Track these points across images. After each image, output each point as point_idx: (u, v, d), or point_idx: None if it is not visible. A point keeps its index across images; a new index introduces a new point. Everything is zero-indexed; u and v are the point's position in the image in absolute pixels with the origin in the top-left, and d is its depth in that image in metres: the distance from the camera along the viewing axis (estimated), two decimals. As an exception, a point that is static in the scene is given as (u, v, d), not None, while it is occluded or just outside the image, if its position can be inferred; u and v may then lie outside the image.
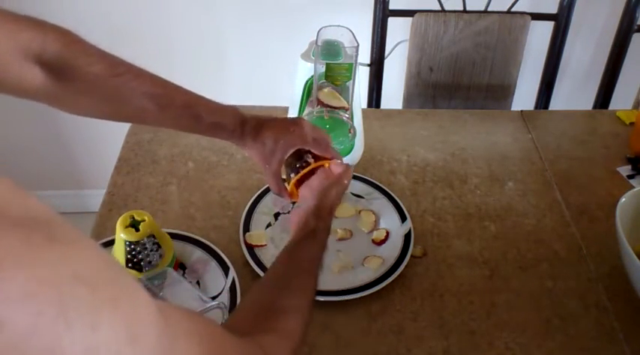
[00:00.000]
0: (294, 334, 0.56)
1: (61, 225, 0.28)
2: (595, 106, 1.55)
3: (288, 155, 0.79)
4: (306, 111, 1.02)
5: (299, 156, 0.81)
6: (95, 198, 1.15)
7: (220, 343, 0.43)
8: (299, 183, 0.82)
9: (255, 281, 0.89)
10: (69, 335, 0.25)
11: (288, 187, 0.81)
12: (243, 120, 0.77)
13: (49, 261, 0.26)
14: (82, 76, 0.68)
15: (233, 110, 0.78)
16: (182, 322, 0.37)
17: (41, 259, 0.25)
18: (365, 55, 1.49)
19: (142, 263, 0.83)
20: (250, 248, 0.93)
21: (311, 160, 0.80)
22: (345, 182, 0.78)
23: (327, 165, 0.82)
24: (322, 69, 0.94)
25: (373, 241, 0.97)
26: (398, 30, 1.50)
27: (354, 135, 1.02)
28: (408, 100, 1.55)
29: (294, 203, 1.03)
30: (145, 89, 0.72)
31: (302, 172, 0.80)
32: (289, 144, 0.77)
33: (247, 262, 0.91)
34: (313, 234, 0.69)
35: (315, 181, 0.78)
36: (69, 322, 0.25)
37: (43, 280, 0.25)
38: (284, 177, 0.82)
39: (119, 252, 0.83)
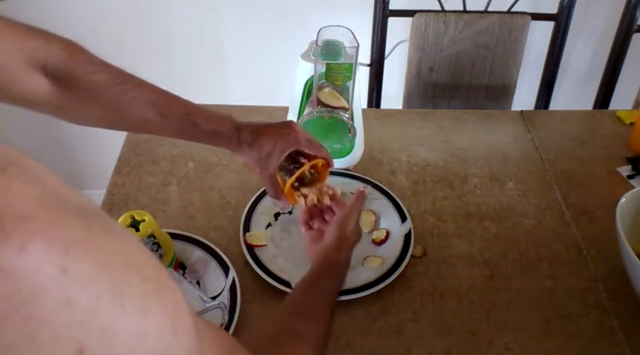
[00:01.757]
0: None
1: (109, 218, 0.30)
2: (595, 106, 1.55)
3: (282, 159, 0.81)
4: (306, 111, 1.02)
5: (292, 159, 0.83)
6: (95, 198, 1.15)
7: None
8: (294, 186, 0.84)
9: (254, 281, 0.89)
10: (123, 319, 0.27)
11: (285, 190, 0.83)
12: (239, 127, 0.79)
13: (106, 250, 0.28)
14: (84, 84, 0.70)
15: (228, 118, 0.80)
16: (208, 329, 0.39)
17: (100, 247, 0.27)
18: (365, 55, 1.49)
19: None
20: (250, 248, 0.93)
21: (304, 161, 0.83)
22: (360, 208, 0.83)
23: (320, 163, 0.84)
24: (322, 69, 0.94)
25: (373, 241, 0.97)
26: (398, 30, 1.50)
27: (354, 135, 1.02)
28: (408, 100, 1.55)
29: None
30: (146, 98, 0.74)
31: (297, 172, 0.82)
32: (285, 147, 0.79)
33: (247, 262, 0.91)
34: (335, 267, 0.73)
35: (335, 214, 0.83)
36: (124, 307, 0.27)
37: (103, 266, 0.27)
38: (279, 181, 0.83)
39: (119, 252, 0.83)
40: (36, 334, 0.24)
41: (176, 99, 0.77)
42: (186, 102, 0.78)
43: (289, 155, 0.81)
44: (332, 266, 0.73)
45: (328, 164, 0.85)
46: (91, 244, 0.27)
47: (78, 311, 0.25)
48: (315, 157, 0.83)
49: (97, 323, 0.26)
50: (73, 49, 0.69)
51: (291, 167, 0.83)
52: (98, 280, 0.26)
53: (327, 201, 0.84)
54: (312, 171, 0.87)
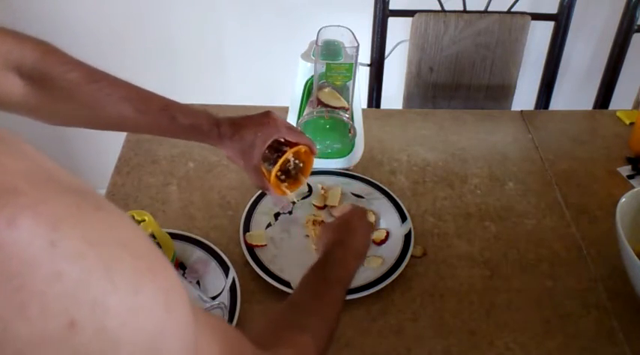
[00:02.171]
0: (309, 353, 0.59)
1: (101, 197, 0.31)
2: (595, 106, 1.55)
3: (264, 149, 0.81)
4: (306, 111, 1.02)
5: (275, 149, 0.83)
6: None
7: (240, 350, 0.44)
8: (280, 178, 0.85)
9: (254, 281, 0.89)
10: (114, 294, 0.27)
11: (270, 180, 0.83)
12: (218, 121, 0.80)
13: (97, 227, 0.28)
14: (59, 83, 0.70)
15: (205, 112, 0.80)
16: (208, 317, 0.39)
17: (91, 223, 0.28)
18: (365, 55, 1.49)
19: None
20: (250, 248, 0.93)
21: (286, 149, 0.83)
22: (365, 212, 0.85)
23: (303, 149, 0.84)
24: (322, 69, 0.94)
25: (373, 241, 0.97)
26: (398, 30, 1.50)
27: (354, 135, 1.02)
28: (408, 100, 1.55)
29: (294, 203, 1.03)
30: (121, 94, 0.74)
31: (280, 160, 0.82)
32: (267, 135, 0.80)
33: (247, 262, 0.91)
34: (340, 263, 0.73)
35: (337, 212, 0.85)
36: (114, 282, 0.27)
37: (92, 243, 0.27)
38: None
39: (119, 252, 0.83)
40: (27, 305, 0.24)
41: (152, 95, 0.77)
42: (163, 98, 0.77)
43: (271, 145, 0.81)
44: (336, 262, 0.73)
45: (311, 151, 0.86)
46: (81, 221, 0.27)
47: (68, 284, 0.26)
48: (297, 145, 0.83)
49: (87, 297, 0.26)
50: (46, 48, 0.69)
51: (274, 156, 0.83)
52: (87, 255, 0.27)
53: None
54: (297, 160, 0.87)
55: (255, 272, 0.89)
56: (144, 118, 0.75)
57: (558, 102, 1.65)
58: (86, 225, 0.28)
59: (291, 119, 1.06)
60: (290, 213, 1.01)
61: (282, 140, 0.83)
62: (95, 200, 0.29)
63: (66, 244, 0.26)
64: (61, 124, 0.77)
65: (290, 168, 0.87)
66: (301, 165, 0.88)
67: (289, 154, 0.83)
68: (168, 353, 0.31)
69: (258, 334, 0.60)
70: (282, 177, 0.86)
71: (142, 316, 0.29)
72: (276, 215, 1.01)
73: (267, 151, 0.83)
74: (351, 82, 0.96)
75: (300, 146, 0.83)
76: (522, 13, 1.45)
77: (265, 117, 0.81)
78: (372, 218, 1.00)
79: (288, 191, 0.86)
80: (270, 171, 0.83)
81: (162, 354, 0.31)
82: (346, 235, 0.78)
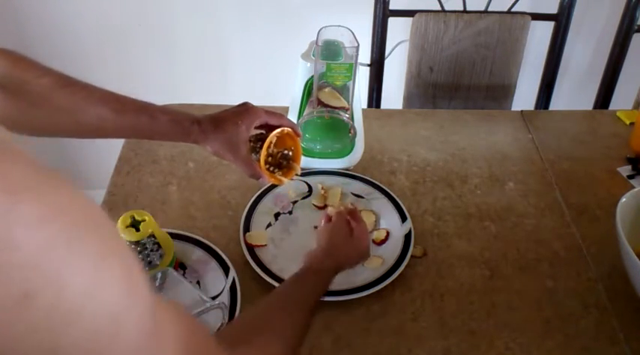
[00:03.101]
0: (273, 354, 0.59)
1: (68, 179, 0.30)
2: (595, 106, 1.55)
3: (250, 137, 0.82)
4: (306, 111, 1.02)
5: (258, 138, 0.84)
6: (95, 198, 1.14)
7: (201, 339, 0.43)
8: (270, 168, 0.86)
9: (254, 281, 0.89)
10: (74, 271, 0.27)
11: (261, 167, 0.84)
12: (197, 119, 0.80)
13: (61, 199, 0.28)
14: (34, 88, 0.69)
15: (185, 112, 0.80)
16: (171, 305, 0.39)
17: (55, 194, 0.28)
18: (365, 55, 1.49)
19: (142, 263, 0.83)
20: (250, 248, 0.93)
21: (269, 134, 0.84)
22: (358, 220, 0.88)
23: (285, 131, 0.85)
24: (322, 69, 0.94)
25: (373, 241, 0.97)
26: (398, 30, 1.50)
27: (354, 135, 1.02)
28: (408, 100, 1.55)
29: (294, 202, 1.03)
30: (97, 96, 0.73)
31: (265, 144, 0.83)
32: (249, 123, 0.80)
33: (247, 262, 0.91)
34: (317, 274, 0.77)
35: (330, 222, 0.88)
36: (73, 259, 0.27)
37: (56, 211, 0.27)
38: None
39: (119, 252, 0.83)
40: None
41: (127, 97, 0.77)
42: (138, 100, 0.77)
43: (256, 137, 0.83)
44: (315, 272, 0.77)
45: (296, 133, 0.86)
46: (42, 187, 0.27)
47: (24, 255, 0.25)
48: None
49: (44, 271, 0.26)
50: (14, 57, 0.69)
51: (258, 145, 0.84)
52: (48, 228, 0.26)
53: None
54: (286, 150, 0.88)
55: (255, 272, 0.89)
56: (123, 119, 0.74)
57: (558, 102, 1.65)
58: (49, 192, 0.27)
59: (292, 119, 1.06)
60: (290, 213, 1.01)
61: (264, 132, 0.84)
62: (60, 180, 0.29)
63: (25, 213, 0.25)
64: (41, 133, 0.76)
65: (278, 156, 0.87)
66: (291, 153, 0.88)
67: (273, 137, 0.83)
68: (125, 335, 0.31)
69: (230, 329, 0.61)
70: (274, 169, 0.87)
71: (101, 296, 0.29)
72: (276, 215, 1.01)
73: (252, 143, 0.83)
74: (351, 82, 0.96)
75: (283, 128, 0.84)
76: (522, 13, 1.45)
77: (243, 106, 0.82)
78: (371, 218, 1.00)
79: (283, 178, 0.87)
80: (258, 161, 0.83)
81: (119, 335, 0.30)
82: (332, 248, 0.82)
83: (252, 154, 0.84)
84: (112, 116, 0.73)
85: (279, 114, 0.85)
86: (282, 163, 0.88)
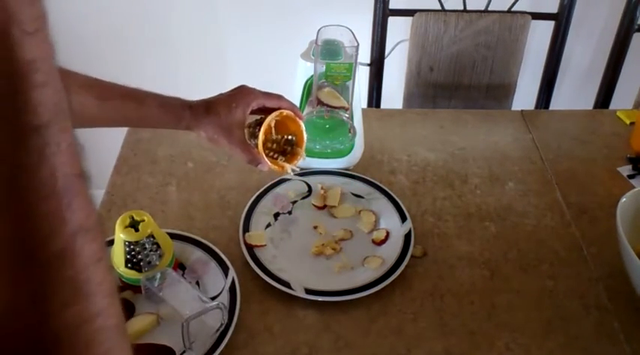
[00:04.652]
0: None
1: None
2: (595, 106, 1.55)
3: (247, 123, 0.78)
4: (306, 111, 1.02)
5: (258, 123, 0.80)
6: (94, 198, 1.15)
7: None
8: (273, 155, 0.82)
9: (254, 281, 0.89)
10: None
11: (259, 151, 0.80)
12: (189, 104, 0.76)
13: None
14: None
15: (177, 98, 0.77)
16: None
17: None
18: (365, 55, 1.49)
19: (141, 263, 0.83)
20: (250, 248, 0.93)
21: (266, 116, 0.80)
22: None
23: (284, 113, 0.81)
24: (322, 69, 0.94)
25: (373, 241, 0.97)
26: (398, 30, 1.50)
27: (354, 135, 1.02)
28: (408, 100, 1.55)
29: (294, 202, 1.03)
30: (79, 82, 0.70)
31: (262, 130, 0.79)
32: (244, 105, 0.76)
33: (247, 262, 0.90)
34: None
35: None
36: None
37: None
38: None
39: (118, 252, 0.83)
40: None
41: (114, 83, 0.73)
42: (126, 86, 0.73)
43: (255, 122, 0.79)
44: None
45: (297, 115, 0.81)
46: None
47: None
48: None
49: None
50: None
51: (257, 130, 0.80)
52: None
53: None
54: (290, 137, 0.84)
55: (255, 272, 0.89)
56: (109, 105, 0.71)
57: (558, 102, 1.65)
58: None
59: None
60: (290, 213, 1.01)
61: (264, 116, 0.80)
62: None
63: None
64: None
65: (282, 142, 0.84)
66: (294, 138, 0.85)
67: (272, 120, 0.79)
68: None
69: None
70: (278, 156, 0.83)
71: None
72: (276, 215, 1.01)
73: (251, 129, 0.79)
74: (351, 81, 0.96)
75: (282, 110, 0.80)
76: (522, 13, 1.45)
77: (237, 89, 0.78)
78: (371, 218, 1.00)
79: (286, 164, 0.84)
80: (256, 147, 0.80)
81: None
82: None
83: (252, 140, 0.80)
84: (96, 103, 0.70)
85: (277, 95, 0.80)
86: (286, 150, 0.85)
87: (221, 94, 0.78)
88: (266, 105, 0.79)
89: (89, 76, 0.71)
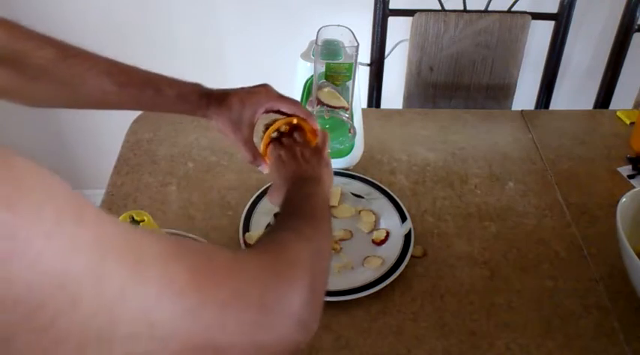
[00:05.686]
0: (308, 244, 0.52)
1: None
2: (595, 106, 1.55)
3: (258, 120, 0.76)
4: (306, 111, 1.02)
5: (268, 125, 0.79)
6: (94, 198, 1.15)
7: (212, 259, 0.40)
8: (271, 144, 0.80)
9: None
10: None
11: (262, 150, 0.79)
12: (208, 92, 0.76)
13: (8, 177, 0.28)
14: (34, 60, 0.66)
15: (197, 84, 0.77)
16: (168, 245, 0.37)
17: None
18: (365, 55, 1.49)
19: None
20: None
21: (279, 118, 0.78)
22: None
23: (295, 121, 0.79)
24: (322, 69, 0.94)
25: (373, 241, 0.97)
26: (398, 30, 1.50)
27: (354, 135, 1.02)
28: (408, 100, 1.55)
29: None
30: (100, 68, 0.70)
31: (268, 132, 0.77)
32: (255, 105, 0.75)
33: (247, 262, 0.90)
34: (307, 183, 0.69)
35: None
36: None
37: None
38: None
39: (119, 252, 0.83)
40: None
41: (134, 68, 0.73)
42: (147, 71, 0.74)
43: (272, 122, 0.78)
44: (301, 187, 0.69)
45: (310, 124, 0.78)
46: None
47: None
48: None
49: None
50: (11, 25, 0.66)
51: (267, 128, 0.79)
52: None
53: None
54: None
55: (255, 272, 0.89)
56: (127, 92, 0.71)
57: (558, 102, 1.65)
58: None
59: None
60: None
61: (275, 119, 0.79)
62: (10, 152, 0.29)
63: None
64: (41, 105, 0.73)
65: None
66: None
67: (281, 124, 0.78)
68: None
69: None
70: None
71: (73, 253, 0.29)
72: (276, 215, 1.01)
73: (264, 129, 0.78)
74: (351, 81, 0.96)
75: (293, 117, 0.78)
76: (522, 13, 1.45)
77: (257, 86, 0.77)
78: (371, 218, 1.00)
79: None
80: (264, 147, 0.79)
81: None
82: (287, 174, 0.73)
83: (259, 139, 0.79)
84: (116, 89, 0.70)
85: (294, 101, 0.78)
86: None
87: (242, 88, 0.78)
88: (281, 109, 0.78)
89: (110, 59, 0.72)
